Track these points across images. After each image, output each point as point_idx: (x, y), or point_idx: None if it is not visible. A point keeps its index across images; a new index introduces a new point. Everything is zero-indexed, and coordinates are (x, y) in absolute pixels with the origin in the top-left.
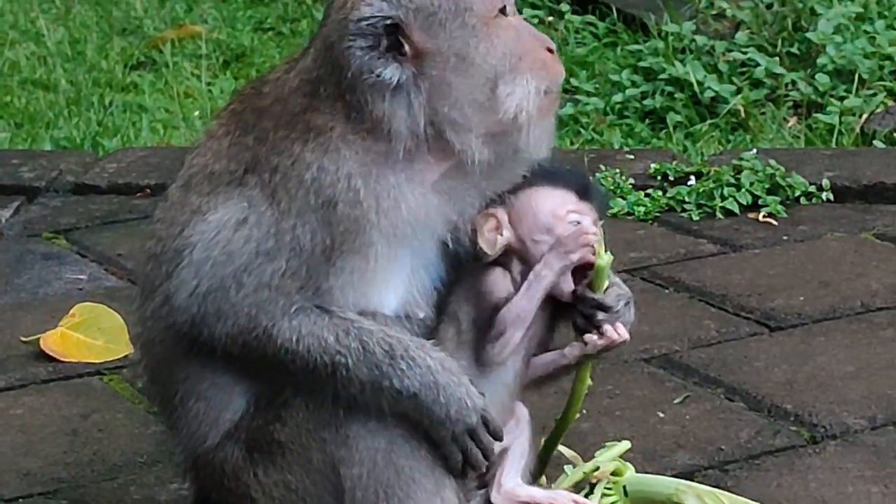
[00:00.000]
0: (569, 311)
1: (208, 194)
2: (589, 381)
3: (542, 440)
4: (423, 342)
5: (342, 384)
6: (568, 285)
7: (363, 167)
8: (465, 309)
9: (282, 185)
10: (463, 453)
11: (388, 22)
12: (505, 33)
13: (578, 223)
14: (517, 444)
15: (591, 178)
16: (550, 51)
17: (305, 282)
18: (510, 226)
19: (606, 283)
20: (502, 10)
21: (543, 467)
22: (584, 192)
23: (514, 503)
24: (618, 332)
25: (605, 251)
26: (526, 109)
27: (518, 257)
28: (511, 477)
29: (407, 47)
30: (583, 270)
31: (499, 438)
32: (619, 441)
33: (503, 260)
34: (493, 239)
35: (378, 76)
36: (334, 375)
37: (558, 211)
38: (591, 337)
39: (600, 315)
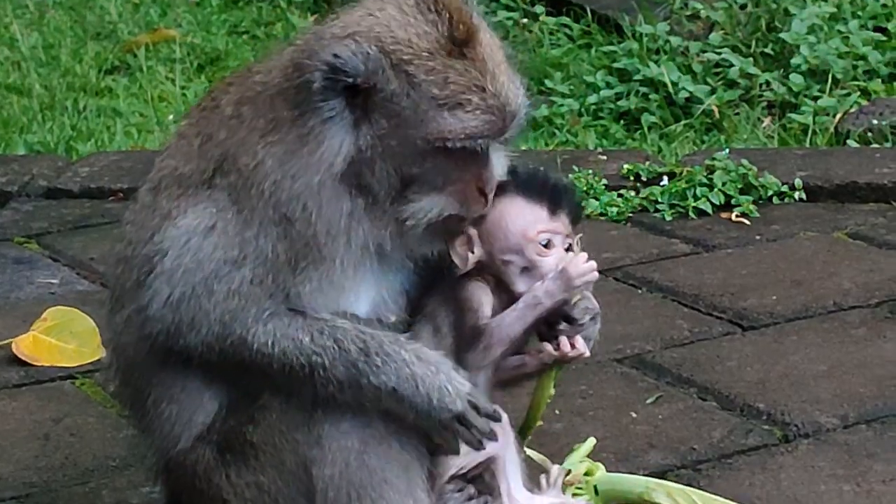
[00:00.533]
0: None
1: (178, 198)
2: (551, 391)
3: None
4: (398, 336)
5: (321, 384)
6: None
7: (317, 187)
8: (444, 312)
9: (244, 191)
10: (457, 439)
11: (352, 81)
12: (443, 161)
13: (549, 242)
14: (509, 452)
15: (564, 182)
16: (482, 192)
17: (274, 289)
18: (481, 242)
19: (577, 296)
20: (462, 146)
21: None
22: (556, 204)
23: None
24: (576, 345)
25: None
26: (419, 221)
27: (490, 272)
28: (520, 489)
29: (360, 100)
30: None
31: (495, 419)
32: (585, 441)
33: (479, 270)
34: (464, 255)
35: (323, 102)
36: (312, 376)
37: (528, 233)
38: (547, 347)
39: (563, 325)
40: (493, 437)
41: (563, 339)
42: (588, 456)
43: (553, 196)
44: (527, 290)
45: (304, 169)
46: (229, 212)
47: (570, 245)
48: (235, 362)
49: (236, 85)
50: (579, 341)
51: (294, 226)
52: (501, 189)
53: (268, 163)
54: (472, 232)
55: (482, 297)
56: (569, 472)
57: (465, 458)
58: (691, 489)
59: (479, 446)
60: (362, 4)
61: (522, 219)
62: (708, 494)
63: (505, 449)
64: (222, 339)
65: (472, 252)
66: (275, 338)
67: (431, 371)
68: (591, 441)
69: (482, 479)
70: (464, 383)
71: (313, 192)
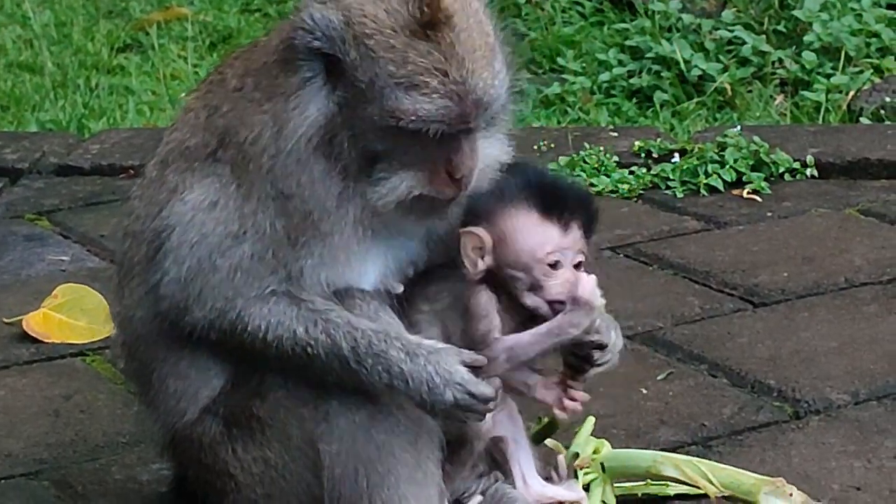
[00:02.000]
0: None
1: (184, 171)
2: None
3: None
4: (387, 330)
5: (320, 372)
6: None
7: (298, 156)
8: (454, 315)
9: (244, 165)
10: (459, 420)
11: (318, 45)
12: (405, 142)
13: (557, 262)
14: (520, 437)
15: (582, 192)
16: (451, 175)
17: (275, 265)
18: (492, 252)
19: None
20: (424, 129)
21: None
22: (569, 219)
23: (545, 501)
24: (576, 399)
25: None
26: (386, 201)
27: (498, 281)
28: (533, 476)
29: (333, 73)
30: None
31: (492, 398)
32: (586, 418)
33: (488, 276)
34: (474, 260)
35: (300, 64)
36: (311, 365)
37: (538, 254)
38: (554, 402)
39: (597, 355)
40: (491, 409)
41: (569, 403)
42: (592, 434)
43: (567, 210)
44: (534, 306)
45: (290, 136)
46: (231, 186)
47: (580, 262)
48: (235, 343)
49: (241, 59)
50: (580, 395)
51: (290, 201)
52: (519, 199)
53: (264, 134)
54: (487, 239)
55: (489, 308)
56: (576, 455)
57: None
58: (699, 460)
59: (482, 420)
60: None
61: (533, 238)
62: (715, 464)
63: (515, 434)
64: (223, 315)
65: (483, 259)
66: (268, 323)
67: (421, 366)
68: (591, 420)
69: (494, 460)
70: (455, 372)
71: (300, 164)
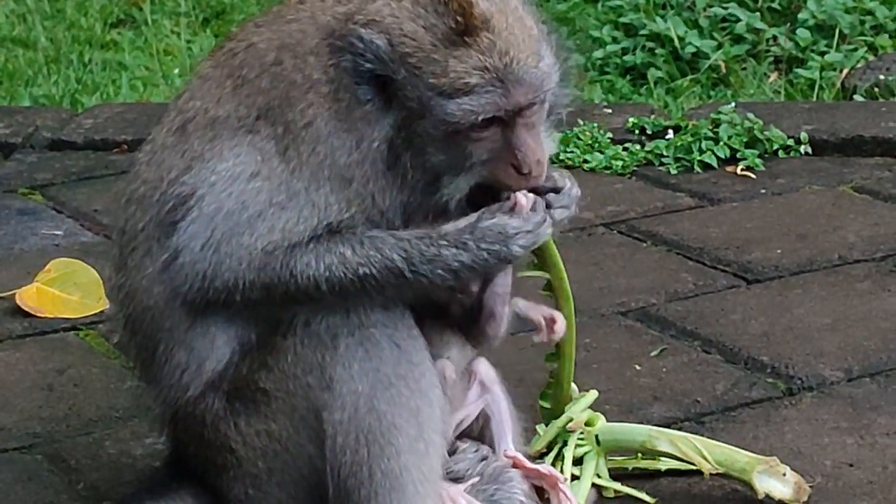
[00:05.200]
0: None
1: (212, 140)
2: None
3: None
4: (428, 233)
5: (375, 292)
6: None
7: (366, 163)
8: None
9: (294, 146)
10: None
11: (371, 68)
12: (465, 143)
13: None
14: (498, 409)
15: None
16: (517, 169)
17: (317, 225)
18: None
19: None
20: (480, 126)
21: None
22: None
23: (521, 468)
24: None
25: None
26: (458, 198)
27: None
28: (509, 443)
29: (387, 93)
30: None
31: (545, 219)
32: (588, 391)
33: None
34: None
35: (358, 86)
36: (364, 287)
37: None
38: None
39: (553, 197)
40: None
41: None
42: (590, 408)
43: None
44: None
45: (355, 145)
46: (275, 160)
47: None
48: (280, 293)
49: (268, 28)
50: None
51: (351, 186)
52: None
53: (320, 126)
54: None
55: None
56: (570, 419)
57: (462, 412)
58: (694, 436)
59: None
60: None
61: None
62: (710, 441)
63: (497, 406)
64: (265, 270)
65: None
66: (318, 256)
67: (475, 249)
68: (594, 393)
69: (484, 437)
70: (504, 227)
71: (366, 166)
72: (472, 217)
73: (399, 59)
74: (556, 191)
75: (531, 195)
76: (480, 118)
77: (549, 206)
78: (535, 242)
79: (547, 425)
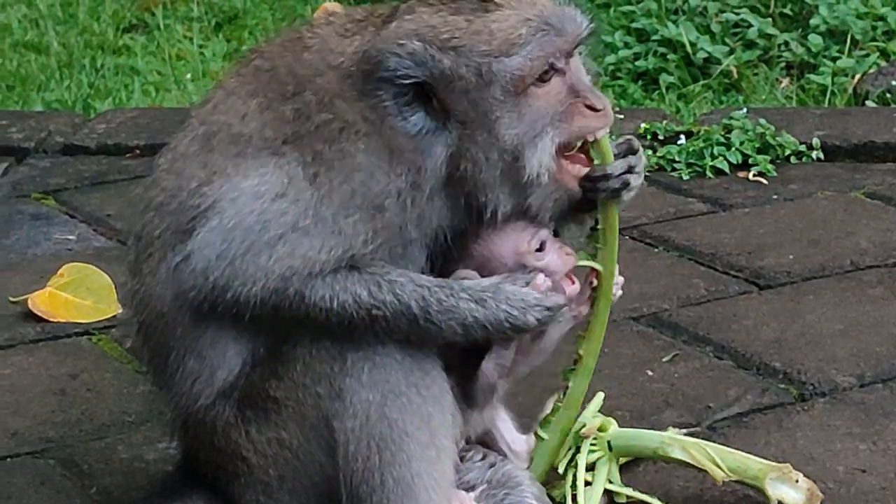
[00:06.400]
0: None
1: (236, 156)
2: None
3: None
4: (449, 283)
5: (384, 334)
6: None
7: (406, 186)
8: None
9: (325, 173)
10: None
11: (413, 81)
12: (535, 102)
13: (542, 244)
14: (499, 415)
15: None
16: (591, 107)
17: (342, 256)
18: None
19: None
20: (542, 77)
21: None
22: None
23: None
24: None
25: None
26: (545, 165)
27: None
28: (515, 439)
29: (435, 101)
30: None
31: (563, 305)
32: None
33: None
34: None
35: (404, 120)
36: (374, 328)
37: (521, 248)
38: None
39: (632, 159)
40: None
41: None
42: (599, 411)
43: None
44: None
45: (399, 175)
46: (303, 183)
47: (555, 231)
48: (289, 317)
49: (290, 54)
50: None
51: (384, 215)
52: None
53: (357, 158)
54: (473, 274)
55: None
56: (583, 425)
57: (468, 429)
58: (706, 442)
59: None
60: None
61: (508, 241)
62: (723, 448)
63: (495, 414)
64: (278, 293)
65: None
66: (333, 291)
67: (493, 308)
68: (600, 396)
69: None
70: (526, 296)
71: (407, 189)
72: (495, 279)
73: (440, 51)
74: (633, 152)
75: (548, 280)
76: (547, 62)
77: (630, 169)
78: (550, 319)
79: (540, 455)
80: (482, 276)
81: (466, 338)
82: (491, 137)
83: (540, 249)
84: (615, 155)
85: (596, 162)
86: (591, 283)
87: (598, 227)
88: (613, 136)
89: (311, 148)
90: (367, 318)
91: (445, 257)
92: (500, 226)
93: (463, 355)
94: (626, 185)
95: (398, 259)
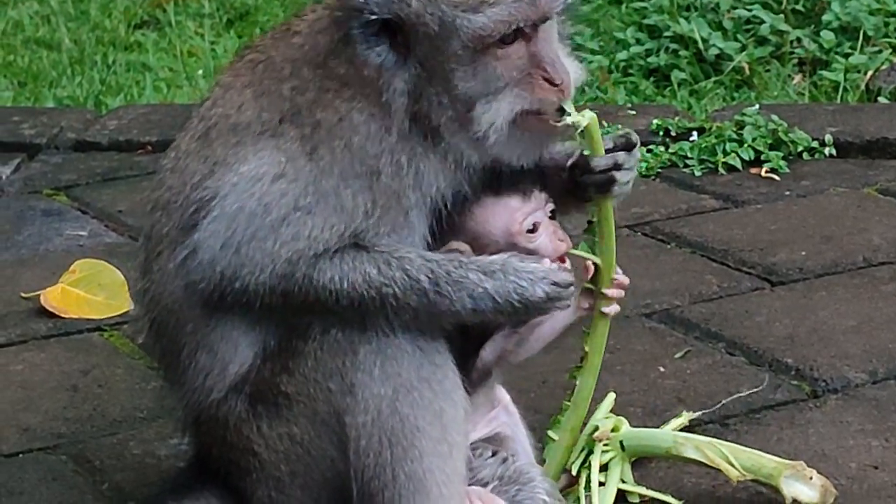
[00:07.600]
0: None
1: (235, 145)
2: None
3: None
4: (457, 257)
5: (394, 313)
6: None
7: (403, 141)
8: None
9: (325, 143)
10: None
11: (380, 17)
12: (493, 62)
13: (534, 225)
14: (518, 432)
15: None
16: (550, 81)
17: (345, 233)
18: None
19: (602, 142)
20: (504, 39)
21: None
22: (522, 187)
23: None
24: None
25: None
26: (495, 127)
27: None
28: (532, 463)
29: (400, 37)
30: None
31: (571, 283)
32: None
33: None
34: None
35: (370, 49)
36: (384, 307)
37: (512, 228)
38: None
39: (617, 174)
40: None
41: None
42: (611, 411)
43: (515, 182)
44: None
45: (383, 120)
46: (301, 160)
47: (552, 210)
48: (299, 302)
49: (282, 43)
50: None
51: (381, 178)
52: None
53: (354, 117)
54: (465, 247)
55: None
56: (596, 428)
57: (480, 433)
58: (719, 441)
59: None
60: None
61: (500, 218)
62: (737, 446)
63: (514, 427)
64: (287, 278)
65: None
66: (342, 272)
67: (502, 279)
68: (611, 396)
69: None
70: (534, 269)
71: (398, 144)
72: (504, 254)
73: None
74: (630, 147)
75: (555, 264)
76: (512, 27)
77: (618, 167)
78: (558, 295)
79: (551, 456)
80: (474, 251)
81: (475, 313)
82: (445, 83)
83: (532, 231)
84: (610, 148)
85: (586, 152)
86: (587, 274)
87: (594, 219)
88: (619, 129)
89: (311, 118)
90: (377, 297)
91: (451, 229)
92: (495, 200)
93: (463, 340)
94: (611, 181)
95: (400, 229)
